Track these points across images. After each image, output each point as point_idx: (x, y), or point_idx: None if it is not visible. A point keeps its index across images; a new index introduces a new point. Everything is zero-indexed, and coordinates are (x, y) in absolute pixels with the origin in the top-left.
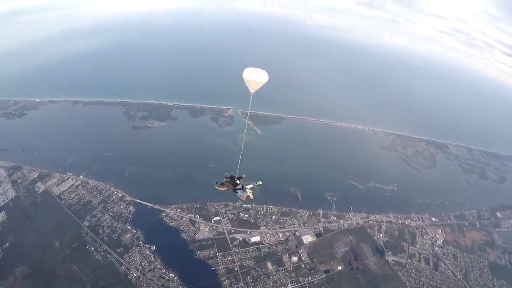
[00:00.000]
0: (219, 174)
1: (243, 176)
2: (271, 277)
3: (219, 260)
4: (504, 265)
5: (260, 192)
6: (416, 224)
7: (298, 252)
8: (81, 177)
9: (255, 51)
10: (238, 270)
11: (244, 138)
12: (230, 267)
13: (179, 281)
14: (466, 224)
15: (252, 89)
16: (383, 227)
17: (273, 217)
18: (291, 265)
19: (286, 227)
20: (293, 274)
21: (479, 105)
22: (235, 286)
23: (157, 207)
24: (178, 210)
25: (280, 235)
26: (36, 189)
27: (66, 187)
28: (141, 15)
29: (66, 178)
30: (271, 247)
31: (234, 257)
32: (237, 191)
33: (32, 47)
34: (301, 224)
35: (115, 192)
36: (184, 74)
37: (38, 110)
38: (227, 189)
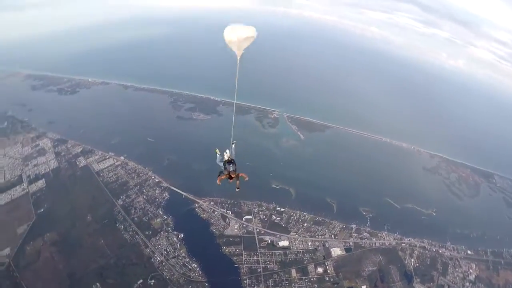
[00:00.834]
0: (255, 173)
1: (235, 142)
2: (293, 284)
3: (244, 259)
4: None
5: (296, 198)
6: (450, 254)
7: (324, 263)
8: (122, 158)
9: (308, 58)
10: (261, 272)
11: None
12: (253, 267)
13: (200, 272)
14: (502, 262)
15: (239, 48)
16: (415, 252)
17: (305, 224)
18: (315, 276)
19: (317, 236)
20: (316, 286)
21: None
22: (256, 287)
23: (191, 197)
24: (211, 203)
25: (309, 243)
26: (77, 163)
27: (106, 165)
28: (198, 10)
29: (107, 156)
30: (298, 254)
31: (260, 258)
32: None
33: (92, 30)
34: (332, 236)
35: (153, 177)
36: (235, 71)
37: (90, 90)
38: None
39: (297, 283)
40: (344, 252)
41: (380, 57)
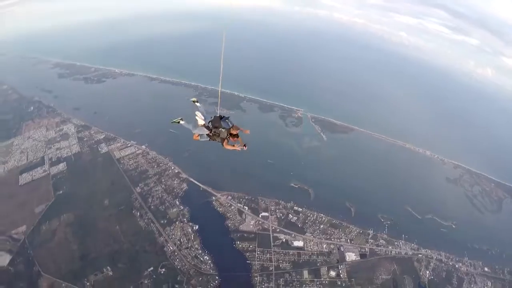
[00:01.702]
0: (276, 171)
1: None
2: (304, 286)
3: (256, 256)
4: None
5: (314, 198)
6: (467, 270)
7: (338, 267)
8: (143, 147)
9: (335, 60)
10: (273, 270)
11: None
12: (265, 265)
13: (211, 265)
14: None
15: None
16: (431, 264)
17: (322, 226)
18: (328, 279)
19: (332, 239)
20: None
21: None
22: (266, 284)
23: (209, 189)
24: (229, 197)
25: (324, 246)
26: (99, 149)
27: (127, 153)
28: (228, 7)
29: (129, 145)
30: (312, 256)
31: (273, 256)
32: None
33: (123, 23)
34: (348, 240)
35: (172, 168)
36: (261, 69)
37: (116, 80)
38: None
39: (309, 284)
40: (359, 258)
41: (407, 62)
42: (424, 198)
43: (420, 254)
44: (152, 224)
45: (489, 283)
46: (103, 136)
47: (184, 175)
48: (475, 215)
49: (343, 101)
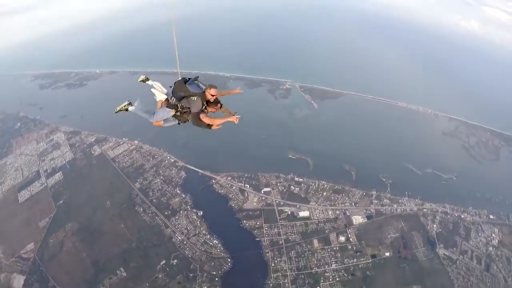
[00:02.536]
0: (271, 145)
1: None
2: (316, 254)
3: (264, 232)
4: None
5: (313, 167)
6: (472, 219)
7: (346, 232)
8: (136, 142)
9: (317, 26)
10: (283, 243)
11: None
12: (275, 240)
13: (222, 248)
14: None
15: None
16: (437, 217)
17: (325, 193)
18: (338, 245)
19: (337, 205)
20: (339, 255)
21: None
22: (278, 259)
23: (208, 173)
24: (229, 178)
25: (330, 212)
26: (92, 152)
27: (120, 151)
28: None
29: (121, 142)
30: (319, 224)
31: (281, 230)
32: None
33: (95, 24)
34: (353, 204)
35: (168, 157)
36: (244, 45)
37: (98, 81)
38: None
39: (320, 253)
40: (366, 220)
41: (392, 22)
42: (422, 153)
43: (425, 208)
44: (156, 217)
45: (496, 230)
46: (94, 138)
47: (181, 163)
48: (474, 166)
49: (330, 67)
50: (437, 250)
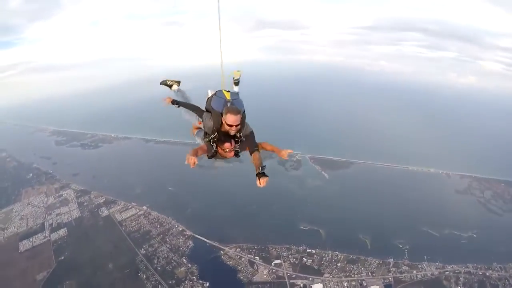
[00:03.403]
0: (282, 216)
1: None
2: None
3: None
4: None
5: (326, 237)
6: (498, 275)
7: None
8: (144, 207)
9: (322, 99)
10: None
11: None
12: None
13: None
14: None
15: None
16: (460, 278)
17: (339, 264)
18: None
19: (352, 276)
20: None
21: None
22: None
23: (216, 244)
24: (238, 249)
25: (345, 284)
26: (100, 213)
27: (128, 215)
28: (211, 66)
29: (130, 206)
30: None
31: None
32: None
33: (115, 89)
34: (369, 274)
35: (176, 226)
36: (252, 120)
37: (112, 144)
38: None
39: None
40: None
41: (392, 88)
42: (437, 214)
43: (447, 271)
44: (160, 286)
45: None
46: (103, 199)
47: (188, 232)
48: (494, 219)
49: (338, 138)
50: None
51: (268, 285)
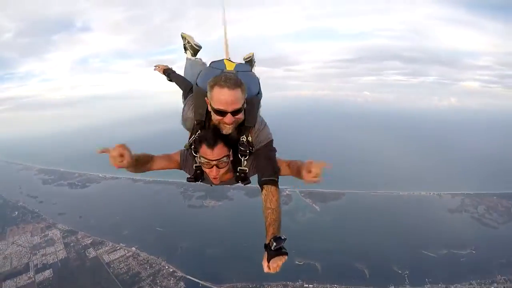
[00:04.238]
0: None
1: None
2: None
3: None
4: None
5: (322, 271)
6: (504, 286)
7: None
8: (133, 248)
9: (309, 132)
10: None
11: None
12: None
13: None
14: None
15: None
16: None
17: None
18: None
19: None
20: None
21: None
22: None
23: (208, 284)
24: None
25: None
26: (87, 254)
27: (116, 256)
28: None
29: (118, 247)
30: None
31: None
32: None
33: (103, 129)
34: None
35: (166, 267)
36: None
37: (100, 184)
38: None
39: None
40: None
41: (376, 117)
42: (434, 236)
43: None
44: None
45: None
46: (90, 240)
47: (179, 273)
48: (490, 232)
49: (327, 169)
50: None
51: None
